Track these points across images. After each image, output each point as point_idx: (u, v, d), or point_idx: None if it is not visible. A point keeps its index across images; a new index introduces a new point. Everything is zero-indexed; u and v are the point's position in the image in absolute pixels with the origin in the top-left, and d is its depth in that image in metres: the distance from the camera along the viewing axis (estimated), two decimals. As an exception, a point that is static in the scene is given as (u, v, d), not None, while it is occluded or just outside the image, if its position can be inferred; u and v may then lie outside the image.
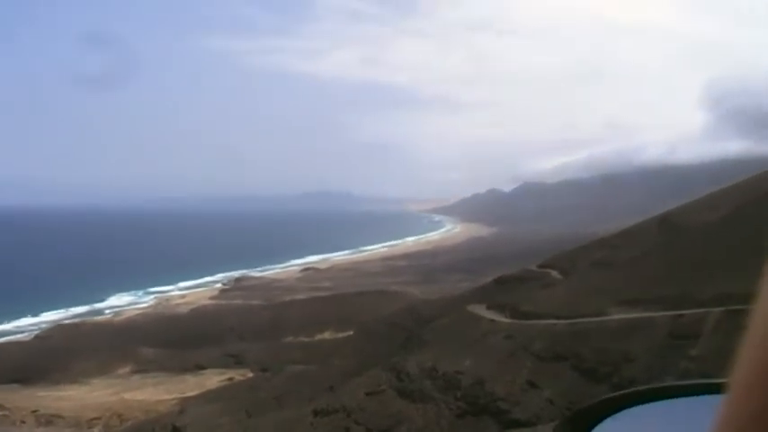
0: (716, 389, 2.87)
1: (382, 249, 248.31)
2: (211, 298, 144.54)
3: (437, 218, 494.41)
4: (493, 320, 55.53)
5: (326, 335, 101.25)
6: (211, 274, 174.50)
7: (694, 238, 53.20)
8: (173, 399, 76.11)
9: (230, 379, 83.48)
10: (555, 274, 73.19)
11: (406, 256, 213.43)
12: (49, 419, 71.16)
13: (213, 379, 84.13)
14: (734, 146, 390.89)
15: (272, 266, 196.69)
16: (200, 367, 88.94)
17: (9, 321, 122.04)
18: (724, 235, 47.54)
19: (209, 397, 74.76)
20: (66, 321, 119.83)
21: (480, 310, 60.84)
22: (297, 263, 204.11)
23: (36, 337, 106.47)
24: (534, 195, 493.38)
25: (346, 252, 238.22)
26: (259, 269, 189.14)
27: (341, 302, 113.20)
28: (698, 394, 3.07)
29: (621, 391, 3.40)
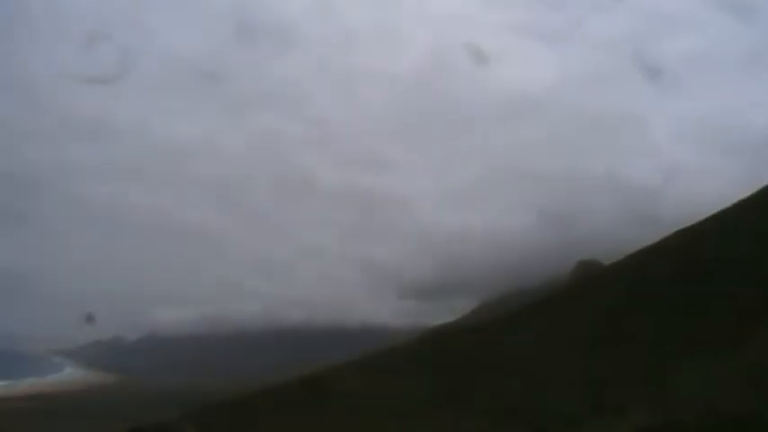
0: None
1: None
2: None
3: (56, 360, 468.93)
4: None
5: None
6: None
7: (338, 400, 57.15)
8: None
9: None
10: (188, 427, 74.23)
11: (24, 398, 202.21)
12: None
13: None
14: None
15: None
16: None
17: None
18: (370, 398, 52.17)
19: None
20: None
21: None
22: None
23: None
24: (159, 346, 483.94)
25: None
26: None
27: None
28: None
29: None
